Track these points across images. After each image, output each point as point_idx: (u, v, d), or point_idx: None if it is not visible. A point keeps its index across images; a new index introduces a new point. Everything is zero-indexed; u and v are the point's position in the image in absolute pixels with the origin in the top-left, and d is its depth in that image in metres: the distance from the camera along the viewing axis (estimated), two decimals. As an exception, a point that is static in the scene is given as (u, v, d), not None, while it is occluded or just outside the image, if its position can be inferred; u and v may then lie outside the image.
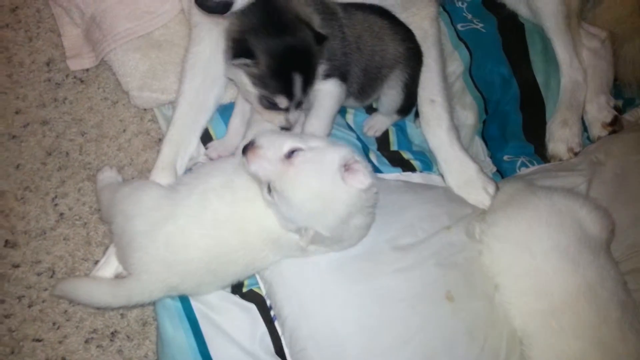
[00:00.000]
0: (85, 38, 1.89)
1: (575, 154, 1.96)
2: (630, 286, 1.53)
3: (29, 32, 1.94)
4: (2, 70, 1.88)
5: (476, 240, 1.59)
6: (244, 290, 1.55)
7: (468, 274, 1.54)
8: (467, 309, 1.48)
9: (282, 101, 1.49)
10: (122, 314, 1.69)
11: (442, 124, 1.74)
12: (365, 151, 1.78)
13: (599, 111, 2.06)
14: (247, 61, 1.43)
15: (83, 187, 1.78)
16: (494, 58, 2.03)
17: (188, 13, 1.77)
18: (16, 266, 1.69)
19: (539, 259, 1.49)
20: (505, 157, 2.00)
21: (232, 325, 1.50)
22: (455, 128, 1.78)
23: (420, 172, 1.80)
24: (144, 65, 1.80)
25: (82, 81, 1.91)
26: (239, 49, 1.44)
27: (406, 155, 1.82)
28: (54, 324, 1.65)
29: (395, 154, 1.82)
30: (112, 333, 1.67)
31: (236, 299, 1.54)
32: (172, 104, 1.75)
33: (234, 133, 1.65)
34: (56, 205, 1.76)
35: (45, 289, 1.67)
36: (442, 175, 1.78)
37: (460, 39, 2.01)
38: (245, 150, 1.32)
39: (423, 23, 1.78)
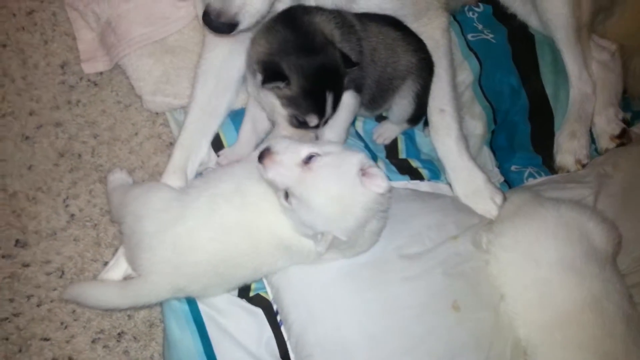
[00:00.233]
0: (100, 42, 1.91)
1: (583, 166, 1.96)
2: (637, 299, 1.54)
3: (45, 35, 1.95)
4: (17, 72, 1.90)
5: (483, 250, 1.60)
6: (251, 294, 1.56)
7: (474, 284, 1.54)
8: (472, 318, 1.49)
9: (313, 120, 1.48)
10: (129, 315, 1.70)
11: (452, 134, 1.75)
12: (373, 159, 1.79)
13: (607, 123, 2.06)
14: (280, 84, 1.42)
15: (94, 189, 1.80)
16: (503, 68, 2.04)
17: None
18: (26, 266, 1.70)
19: (545, 271, 1.49)
20: (513, 168, 2.00)
21: (238, 328, 1.51)
22: (464, 138, 1.79)
23: (428, 180, 1.80)
24: (158, 70, 1.82)
25: (95, 84, 1.93)
26: (270, 72, 1.42)
27: (414, 163, 1.83)
28: (61, 323, 1.66)
29: (403, 162, 1.83)
30: (118, 334, 1.68)
31: (243, 302, 1.55)
32: (184, 108, 1.76)
33: (245, 140, 1.65)
34: (67, 206, 1.78)
35: (54, 289, 1.68)
36: (449, 184, 1.79)
37: (471, 49, 2.02)
38: (262, 156, 1.32)
39: (434, 33, 1.79)
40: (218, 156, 1.68)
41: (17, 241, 1.73)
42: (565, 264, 1.49)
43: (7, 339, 1.63)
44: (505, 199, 1.73)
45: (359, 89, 1.59)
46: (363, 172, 1.31)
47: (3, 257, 1.70)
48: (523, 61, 2.06)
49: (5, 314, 1.65)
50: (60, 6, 1.97)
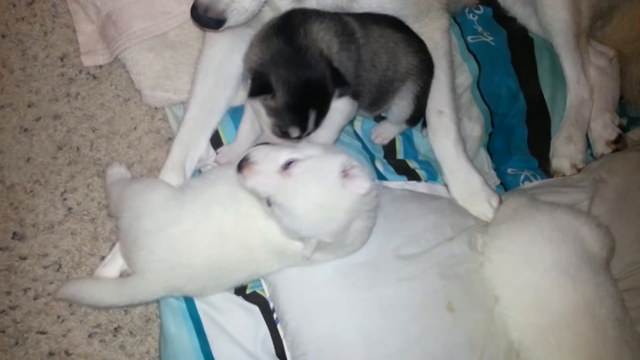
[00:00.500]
0: (100, 35, 1.90)
1: (579, 171, 1.98)
2: (629, 304, 1.54)
3: (44, 26, 1.94)
4: (16, 63, 1.89)
5: (478, 252, 1.61)
6: (248, 292, 1.57)
7: (469, 286, 1.56)
8: (467, 319, 1.50)
9: (294, 132, 1.47)
10: (125, 310, 1.70)
11: (450, 135, 1.76)
12: (371, 159, 1.80)
13: (603, 129, 2.08)
14: (266, 96, 1.42)
15: (92, 182, 1.79)
16: (502, 71, 2.05)
17: (203, 15, 1.79)
18: (23, 258, 1.70)
19: (540, 274, 1.50)
20: (509, 170, 2.01)
21: (234, 326, 1.52)
22: (462, 139, 1.79)
23: (425, 181, 1.82)
24: (158, 65, 1.81)
25: (95, 77, 1.92)
26: (258, 83, 1.42)
27: (412, 164, 1.84)
28: (58, 317, 1.66)
29: (401, 162, 1.84)
30: (115, 328, 1.68)
31: (240, 300, 1.55)
32: (184, 104, 1.76)
33: (243, 138, 1.65)
34: (65, 199, 1.77)
35: (51, 282, 1.68)
36: (446, 186, 1.80)
37: (470, 51, 2.03)
38: (241, 166, 1.31)
39: (434, 34, 1.79)
40: (217, 154, 1.68)
41: (14, 234, 1.72)
42: (559, 268, 1.50)
43: (3, 332, 1.63)
44: (501, 201, 1.74)
45: (356, 96, 1.59)
46: (345, 173, 1.29)
47: (0, 249, 1.70)
48: (522, 64, 2.07)
49: (1, 307, 1.65)
50: (61, -3, 1.96)
